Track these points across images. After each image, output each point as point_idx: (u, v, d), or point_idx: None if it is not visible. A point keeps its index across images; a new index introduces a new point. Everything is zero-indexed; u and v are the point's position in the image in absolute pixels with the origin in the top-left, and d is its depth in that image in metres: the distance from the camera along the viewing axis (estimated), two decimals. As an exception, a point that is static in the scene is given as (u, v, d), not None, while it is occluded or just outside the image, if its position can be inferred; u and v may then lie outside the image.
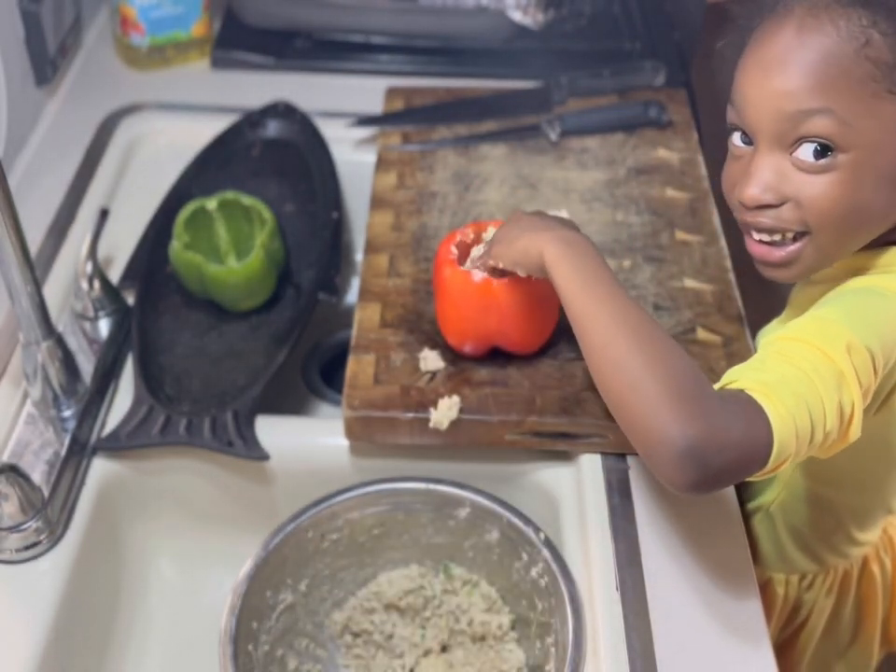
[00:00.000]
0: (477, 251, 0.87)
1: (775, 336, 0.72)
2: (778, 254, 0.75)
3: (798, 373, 0.67)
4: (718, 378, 0.72)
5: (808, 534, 0.92)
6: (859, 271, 0.77)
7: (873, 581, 0.97)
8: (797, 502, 0.91)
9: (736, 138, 0.75)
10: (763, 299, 1.00)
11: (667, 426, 0.64)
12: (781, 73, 0.71)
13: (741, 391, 0.68)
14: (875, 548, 0.96)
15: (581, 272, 0.74)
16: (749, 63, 0.73)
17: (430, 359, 0.90)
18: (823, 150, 0.70)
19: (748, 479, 0.69)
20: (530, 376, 0.89)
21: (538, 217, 0.82)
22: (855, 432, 0.69)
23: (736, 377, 0.69)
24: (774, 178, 0.72)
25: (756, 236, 0.75)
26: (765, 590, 0.95)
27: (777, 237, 0.74)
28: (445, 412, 0.85)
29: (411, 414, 0.86)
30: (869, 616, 0.99)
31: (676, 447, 0.64)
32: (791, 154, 0.72)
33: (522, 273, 0.81)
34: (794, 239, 0.74)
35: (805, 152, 0.71)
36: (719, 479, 0.67)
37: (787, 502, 0.91)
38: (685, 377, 0.67)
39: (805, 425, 0.66)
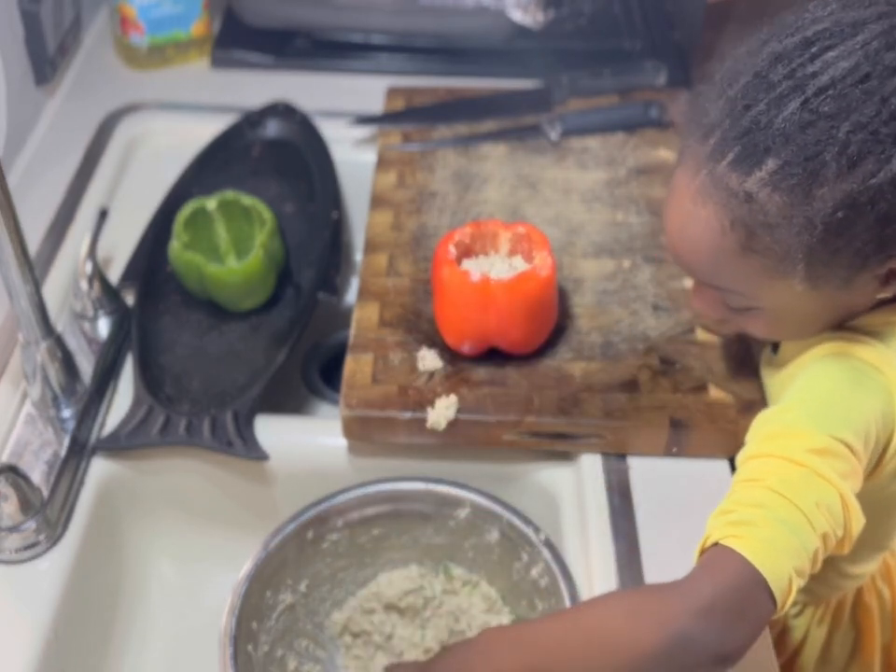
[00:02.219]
0: None
1: (742, 457, 0.72)
2: (725, 330, 0.83)
3: (766, 494, 0.66)
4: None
5: None
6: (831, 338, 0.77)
7: (868, 611, 0.95)
8: None
9: None
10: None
11: (653, 637, 0.63)
12: (680, 245, 0.73)
13: (715, 546, 0.66)
14: (872, 578, 0.94)
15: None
16: (667, 208, 0.74)
17: (428, 359, 0.90)
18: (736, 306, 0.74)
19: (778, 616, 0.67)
20: (528, 376, 0.89)
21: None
22: (858, 520, 0.68)
23: (710, 530, 0.68)
24: (708, 308, 0.77)
25: None
26: None
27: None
28: (443, 411, 0.85)
29: (408, 414, 0.86)
30: (866, 646, 0.97)
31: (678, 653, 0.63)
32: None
33: None
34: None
35: (726, 300, 0.75)
36: (738, 640, 0.64)
37: None
38: (630, 603, 0.67)
39: (790, 541, 0.65)
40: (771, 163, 0.66)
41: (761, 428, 0.73)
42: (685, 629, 0.63)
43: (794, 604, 0.93)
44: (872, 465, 0.74)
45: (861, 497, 0.69)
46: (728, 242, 0.69)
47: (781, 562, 0.64)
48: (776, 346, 0.84)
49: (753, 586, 0.64)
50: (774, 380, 0.85)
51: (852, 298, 0.73)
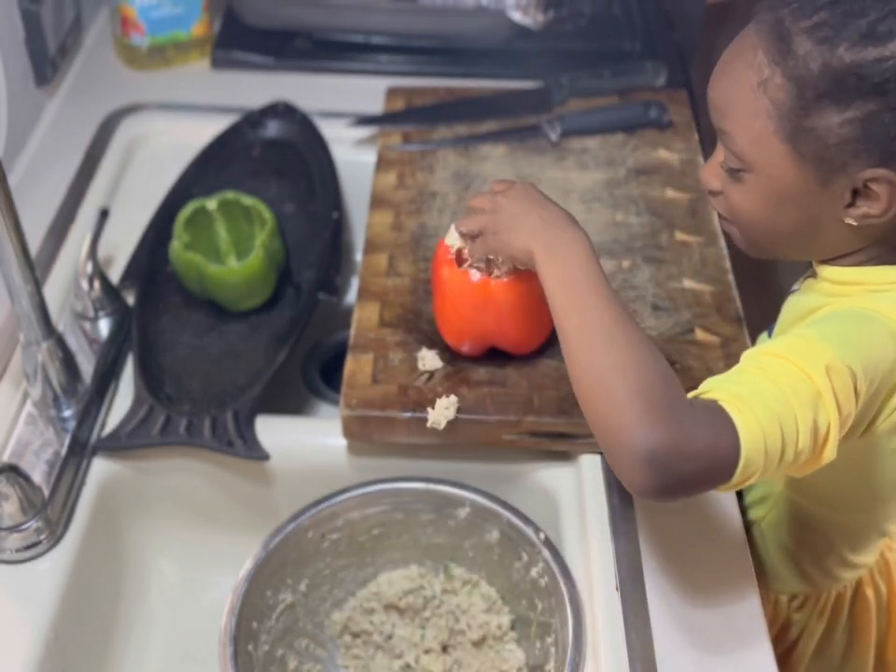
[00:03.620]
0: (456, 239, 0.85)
1: (757, 349, 0.72)
2: (723, 224, 0.81)
3: (774, 389, 0.67)
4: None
5: (800, 554, 0.91)
6: (846, 285, 0.77)
7: (866, 604, 0.96)
8: (788, 521, 0.90)
9: None
10: (762, 300, 1.00)
11: (632, 429, 0.64)
12: (712, 83, 0.75)
13: (714, 402, 0.67)
14: (870, 571, 0.94)
15: (567, 272, 0.74)
16: (720, 60, 0.76)
17: (428, 359, 0.90)
18: (730, 165, 0.75)
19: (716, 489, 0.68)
20: (528, 376, 0.89)
21: (530, 202, 0.79)
22: (830, 453, 0.68)
23: (712, 387, 0.69)
24: (711, 174, 0.79)
25: None
26: None
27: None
28: (443, 411, 0.85)
29: (408, 414, 0.86)
30: (861, 640, 0.97)
31: (639, 450, 0.64)
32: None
33: (518, 266, 0.81)
34: (728, 220, 0.80)
35: (723, 162, 0.76)
36: (680, 487, 0.66)
37: (778, 520, 0.90)
38: (656, 382, 0.67)
39: (776, 441, 0.66)
40: (817, 17, 0.68)
41: (774, 340, 0.73)
42: (662, 453, 0.64)
43: (795, 597, 0.93)
44: (870, 416, 0.74)
45: (856, 455, 0.71)
46: (752, 75, 0.71)
47: (759, 456, 0.66)
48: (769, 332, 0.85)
49: (728, 460, 0.65)
50: None
51: (824, 211, 0.73)
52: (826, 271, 0.78)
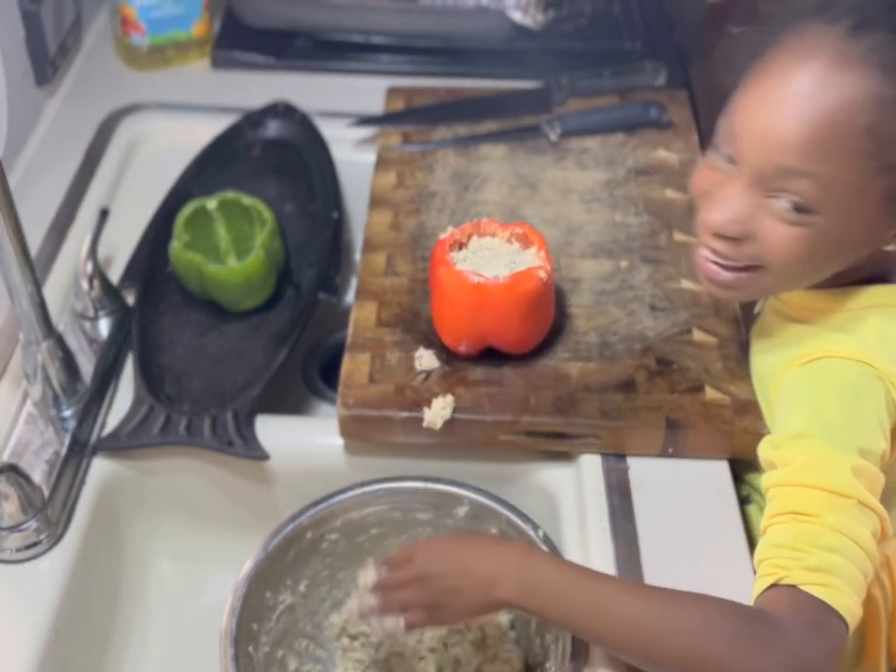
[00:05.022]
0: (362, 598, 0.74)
1: (773, 481, 0.72)
2: (726, 277, 0.76)
3: (832, 537, 0.67)
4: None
5: None
6: (821, 311, 0.77)
7: (874, 604, 0.95)
8: None
9: (722, 153, 0.74)
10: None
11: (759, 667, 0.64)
12: (784, 120, 0.69)
13: (796, 588, 0.66)
14: (875, 570, 0.95)
15: (552, 593, 0.68)
16: (756, 91, 0.71)
17: (425, 359, 0.90)
18: (800, 208, 0.70)
19: None
20: (525, 376, 0.89)
21: (449, 549, 0.73)
22: (889, 531, 0.70)
23: (783, 572, 0.67)
24: (745, 213, 0.72)
25: (707, 253, 0.76)
26: None
27: (728, 262, 0.75)
28: (439, 411, 0.85)
29: (405, 413, 0.86)
30: (873, 640, 0.98)
31: None
32: (767, 197, 0.71)
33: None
34: (745, 269, 0.75)
35: (783, 203, 0.71)
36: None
37: None
38: (734, 628, 0.65)
39: (860, 580, 0.67)
40: None
41: (785, 450, 0.73)
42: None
43: None
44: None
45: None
46: (856, 113, 0.67)
47: (857, 600, 0.67)
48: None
49: (839, 630, 0.66)
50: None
51: (872, 243, 0.72)
52: (799, 297, 0.78)
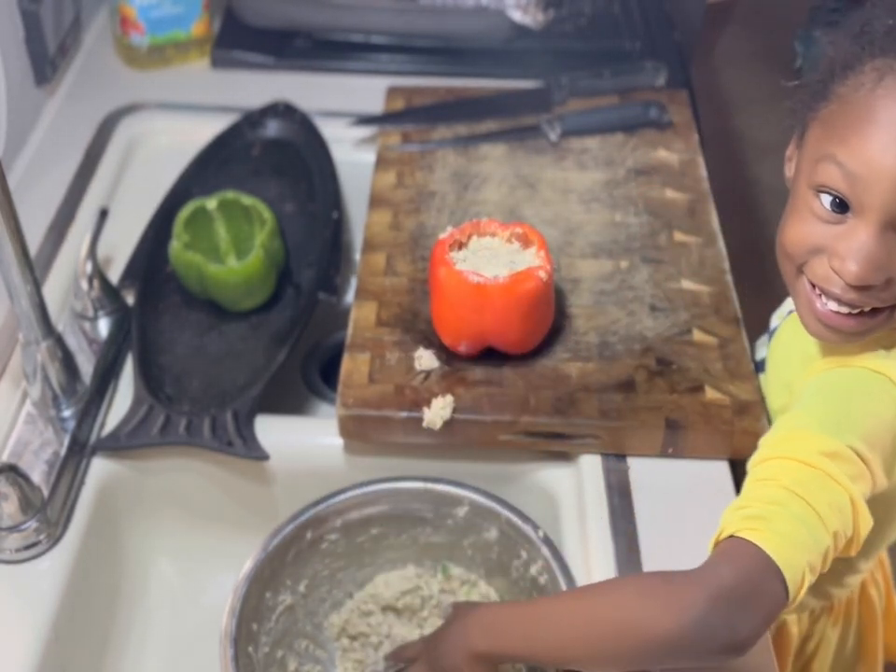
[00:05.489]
0: None
1: (754, 461, 0.71)
2: (850, 323, 0.71)
3: (781, 492, 0.66)
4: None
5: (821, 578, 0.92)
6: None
7: (871, 604, 0.96)
8: None
9: (825, 201, 0.69)
10: (760, 301, 1.00)
11: (667, 622, 0.63)
12: None
13: (730, 538, 0.66)
14: (871, 570, 0.95)
15: (506, 614, 0.73)
16: (880, 133, 0.66)
17: (425, 359, 0.90)
18: None
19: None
20: (525, 376, 0.89)
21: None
22: (866, 521, 0.68)
23: (725, 524, 0.68)
24: (885, 260, 0.67)
25: (834, 306, 0.71)
26: (781, 632, 0.93)
27: (855, 310, 0.70)
28: (438, 411, 0.85)
29: (404, 413, 0.86)
30: (871, 638, 0.98)
31: (690, 632, 0.63)
32: None
33: None
34: (871, 312, 0.71)
35: None
36: (752, 630, 0.64)
37: None
38: (643, 587, 0.67)
39: (804, 537, 0.65)
40: None
41: (772, 434, 0.73)
42: (702, 615, 0.63)
43: (812, 611, 0.93)
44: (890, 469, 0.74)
45: (880, 496, 0.70)
46: None
47: (796, 555, 0.65)
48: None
49: (769, 576, 0.64)
50: (770, 386, 0.86)
51: None
52: None
